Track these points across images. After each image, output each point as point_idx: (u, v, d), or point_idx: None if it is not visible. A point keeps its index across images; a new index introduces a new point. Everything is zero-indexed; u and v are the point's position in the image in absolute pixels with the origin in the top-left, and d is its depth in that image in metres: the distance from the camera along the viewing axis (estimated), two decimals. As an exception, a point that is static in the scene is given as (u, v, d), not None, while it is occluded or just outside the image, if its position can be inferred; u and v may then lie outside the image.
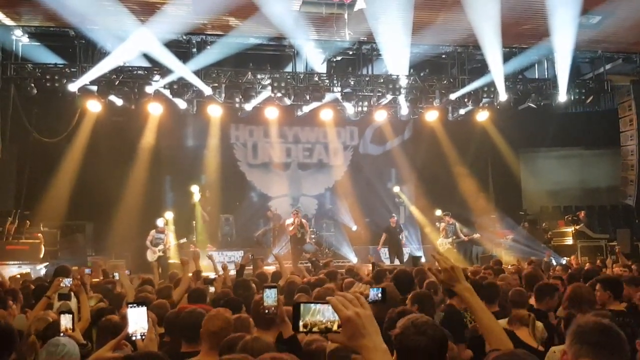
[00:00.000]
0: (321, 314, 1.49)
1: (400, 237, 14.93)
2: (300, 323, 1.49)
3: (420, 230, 16.56)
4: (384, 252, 14.98)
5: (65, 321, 3.70)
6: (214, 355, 3.28)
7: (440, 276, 2.70)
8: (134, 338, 3.10)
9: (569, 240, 14.88)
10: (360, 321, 1.47)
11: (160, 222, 13.19)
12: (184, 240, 13.49)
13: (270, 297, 3.42)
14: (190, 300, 5.17)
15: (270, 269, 10.10)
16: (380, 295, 3.18)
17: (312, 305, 1.50)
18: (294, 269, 10.04)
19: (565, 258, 13.19)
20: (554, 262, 12.22)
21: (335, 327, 1.49)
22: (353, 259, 14.87)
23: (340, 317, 1.46)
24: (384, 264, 12.45)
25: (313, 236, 14.88)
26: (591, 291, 4.45)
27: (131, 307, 3.16)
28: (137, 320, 3.10)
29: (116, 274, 8.39)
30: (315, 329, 1.50)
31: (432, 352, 2.17)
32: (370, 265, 9.82)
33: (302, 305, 1.50)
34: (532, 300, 4.94)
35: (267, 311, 3.41)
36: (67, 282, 5.42)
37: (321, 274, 7.56)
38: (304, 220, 14.28)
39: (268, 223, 15.93)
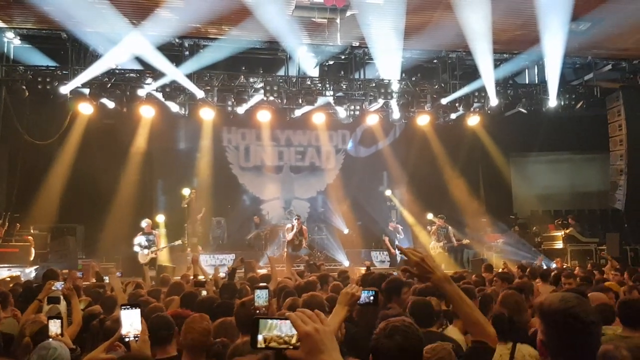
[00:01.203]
0: (278, 328, 1.49)
1: (395, 241, 14.99)
2: (259, 338, 1.49)
3: (412, 233, 16.62)
4: (376, 256, 15.04)
5: (55, 327, 3.69)
6: None
7: (413, 270, 2.58)
8: (127, 339, 3.11)
9: (559, 244, 14.99)
10: (318, 337, 1.46)
11: (143, 224, 12.91)
12: (179, 242, 13.39)
13: (261, 297, 3.46)
14: (183, 304, 5.17)
15: (263, 272, 10.12)
16: (372, 297, 3.17)
17: (270, 320, 1.50)
18: (288, 273, 10.05)
19: (554, 262, 13.29)
20: (545, 266, 12.31)
21: (293, 341, 1.48)
22: (345, 262, 14.90)
23: (298, 333, 1.47)
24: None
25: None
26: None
27: (124, 308, 3.17)
28: (131, 322, 3.11)
29: (106, 278, 8.36)
30: (273, 344, 1.49)
31: (400, 357, 2.17)
32: (364, 269, 9.87)
33: (260, 320, 1.50)
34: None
35: (257, 312, 3.45)
36: (58, 285, 5.41)
37: (312, 276, 7.58)
38: (304, 227, 14.30)
39: (259, 227, 15.94)
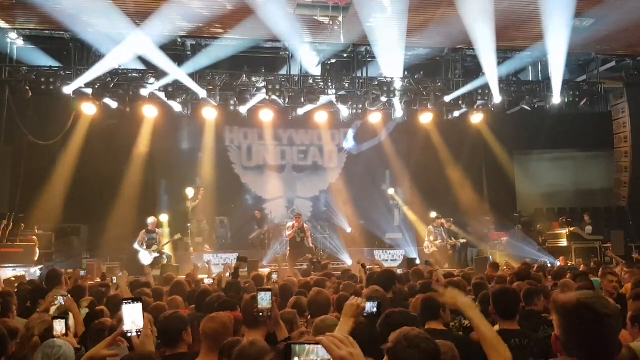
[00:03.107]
0: (315, 353, 1.52)
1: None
2: None
3: (415, 232, 16.57)
4: (379, 254, 15.03)
5: (60, 327, 3.67)
6: (213, 357, 3.31)
7: (442, 299, 3.01)
8: (129, 335, 3.04)
9: (564, 242, 14.95)
10: None
11: (149, 221, 13.03)
12: (178, 236, 13.38)
13: (265, 299, 3.45)
14: (198, 308, 5.13)
15: (265, 271, 10.12)
16: (375, 309, 3.22)
17: (306, 345, 1.53)
18: (290, 272, 10.06)
19: (558, 260, 13.26)
20: (549, 264, 12.28)
21: None
22: (348, 261, 14.88)
23: (333, 358, 1.50)
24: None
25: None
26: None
27: (126, 303, 3.09)
28: (133, 317, 3.04)
29: (114, 278, 8.33)
30: None
31: None
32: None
33: (293, 346, 1.53)
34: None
35: (261, 314, 3.44)
36: (60, 300, 5.27)
37: (317, 275, 7.60)
38: (305, 225, 14.24)
39: (261, 224, 15.92)
